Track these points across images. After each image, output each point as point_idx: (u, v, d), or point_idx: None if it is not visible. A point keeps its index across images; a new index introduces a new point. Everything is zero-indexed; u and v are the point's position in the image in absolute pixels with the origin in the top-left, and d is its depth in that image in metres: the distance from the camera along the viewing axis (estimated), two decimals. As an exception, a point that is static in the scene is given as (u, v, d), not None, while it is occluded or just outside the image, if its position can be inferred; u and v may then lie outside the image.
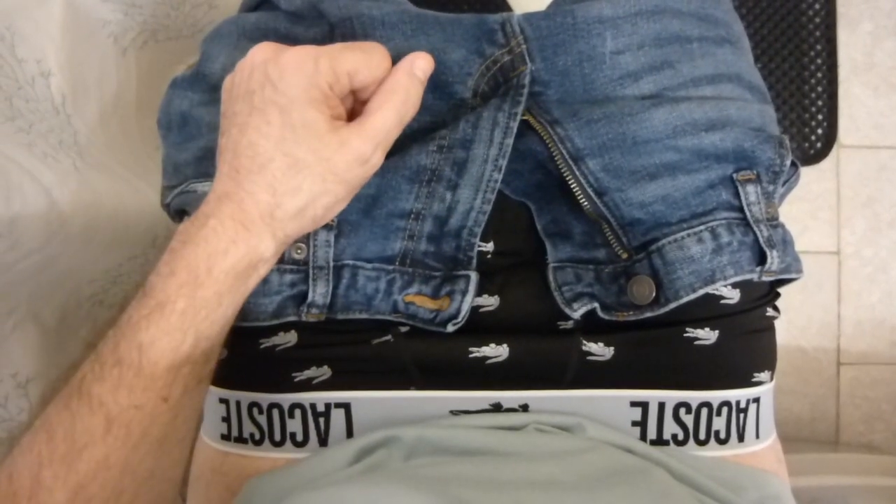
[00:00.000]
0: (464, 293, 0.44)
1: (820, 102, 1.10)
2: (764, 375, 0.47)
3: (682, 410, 0.45)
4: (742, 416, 0.46)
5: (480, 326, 0.45)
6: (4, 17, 0.54)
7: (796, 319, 1.12)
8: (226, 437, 0.46)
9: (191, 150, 0.48)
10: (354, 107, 0.42)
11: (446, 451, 0.41)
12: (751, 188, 0.44)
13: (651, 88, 0.45)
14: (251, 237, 0.38)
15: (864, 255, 1.12)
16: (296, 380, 0.45)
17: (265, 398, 0.45)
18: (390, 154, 0.42)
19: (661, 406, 0.44)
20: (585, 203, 0.45)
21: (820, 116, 1.10)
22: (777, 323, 0.49)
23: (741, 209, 0.44)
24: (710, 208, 0.44)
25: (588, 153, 0.44)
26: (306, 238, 0.43)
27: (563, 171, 0.45)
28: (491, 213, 0.45)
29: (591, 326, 0.45)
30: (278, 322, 0.44)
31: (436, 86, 0.45)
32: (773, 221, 0.45)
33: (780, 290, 0.49)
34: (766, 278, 0.44)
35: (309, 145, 0.38)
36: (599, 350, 0.45)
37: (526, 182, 0.47)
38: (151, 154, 0.71)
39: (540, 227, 0.47)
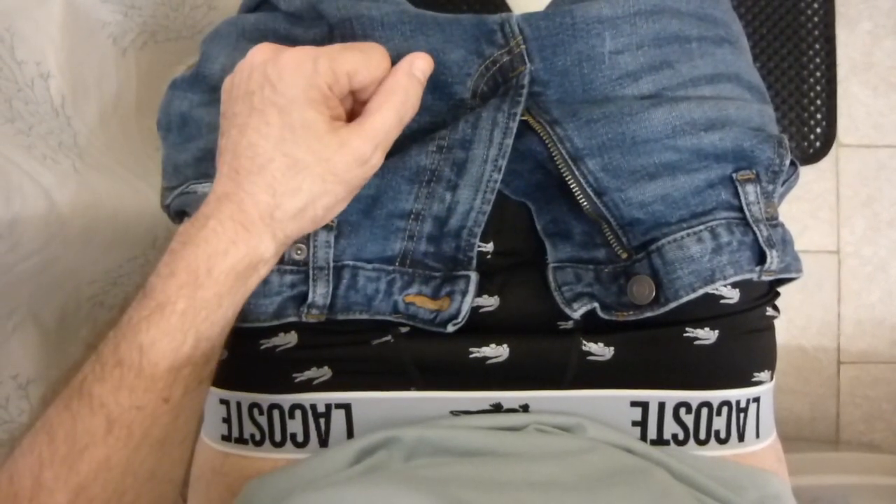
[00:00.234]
0: (464, 293, 0.44)
1: (819, 102, 1.10)
2: (764, 375, 0.47)
3: (683, 410, 0.45)
4: (742, 415, 0.46)
5: (481, 327, 0.45)
6: (4, 18, 0.54)
7: (796, 319, 1.12)
8: (226, 438, 0.46)
9: (191, 151, 0.48)
10: (354, 107, 0.42)
11: (447, 451, 0.41)
12: (750, 188, 0.44)
13: (650, 88, 0.45)
14: (251, 238, 0.38)
15: (863, 255, 1.12)
16: (296, 380, 0.45)
17: (266, 399, 0.45)
18: (390, 154, 0.42)
19: (662, 406, 0.45)
20: (585, 203, 0.45)
21: (819, 116, 1.10)
22: (777, 322, 0.49)
23: (741, 209, 0.44)
24: (710, 208, 0.44)
25: (587, 153, 0.44)
26: (306, 239, 0.43)
27: (562, 171, 0.45)
28: (491, 214, 0.45)
29: (591, 326, 0.45)
30: (278, 323, 0.44)
31: (435, 86, 0.45)
32: (773, 221, 0.45)
33: (780, 289, 0.50)
34: (765, 278, 0.44)
35: (308, 146, 0.38)
36: (599, 350, 0.45)
37: (526, 182, 0.47)
38: (151, 155, 0.71)
39: (540, 227, 0.47)
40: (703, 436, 0.45)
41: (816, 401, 1.13)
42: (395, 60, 0.41)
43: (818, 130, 1.10)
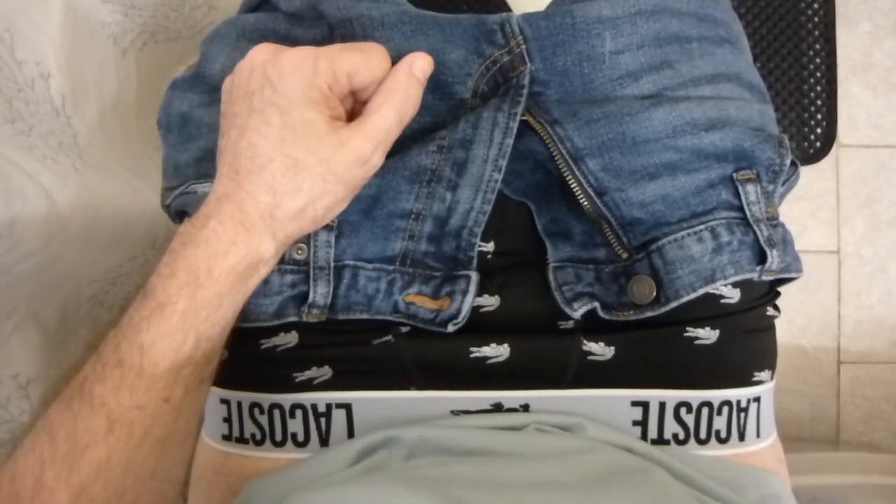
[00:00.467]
0: (464, 293, 0.44)
1: (819, 102, 1.10)
2: (764, 375, 0.47)
3: (683, 410, 0.45)
4: (743, 415, 0.46)
5: (481, 326, 0.45)
6: (4, 18, 0.54)
7: (796, 319, 1.12)
8: (227, 438, 0.46)
9: (191, 151, 0.48)
10: (354, 107, 0.42)
11: (447, 451, 0.41)
12: (751, 188, 0.44)
13: (650, 88, 0.45)
14: (251, 238, 0.38)
15: (863, 255, 1.12)
16: (297, 380, 0.45)
17: (266, 398, 0.45)
18: (390, 154, 0.42)
19: (662, 405, 0.45)
20: (585, 203, 0.45)
21: (819, 116, 1.10)
22: (777, 322, 0.49)
23: (741, 209, 0.44)
24: (710, 208, 0.44)
25: (588, 153, 0.44)
26: (307, 239, 0.43)
27: (562, 170, 0.45)
28: (491, 214, 0.45)
29: (592, 326, 0.45)
30: (279, 322, 0.44)
31: (435, 86, 0.45)
32: (773, 221, 0.45)
33: (781, 289, 0.50)
34: (766, 278, 0.44)
35: (308, 146, 0.38)
36: (600, 350, 0.45)
37: (526, 182, 0.47)
38: (151, 155, 0.71)
39: (540, 226, 0.47)
40: (703, 435, 0.45)
41: (816, 401, 1.13)
42: (395, 60, 0.41)
43: (818, 130, 1.10)
